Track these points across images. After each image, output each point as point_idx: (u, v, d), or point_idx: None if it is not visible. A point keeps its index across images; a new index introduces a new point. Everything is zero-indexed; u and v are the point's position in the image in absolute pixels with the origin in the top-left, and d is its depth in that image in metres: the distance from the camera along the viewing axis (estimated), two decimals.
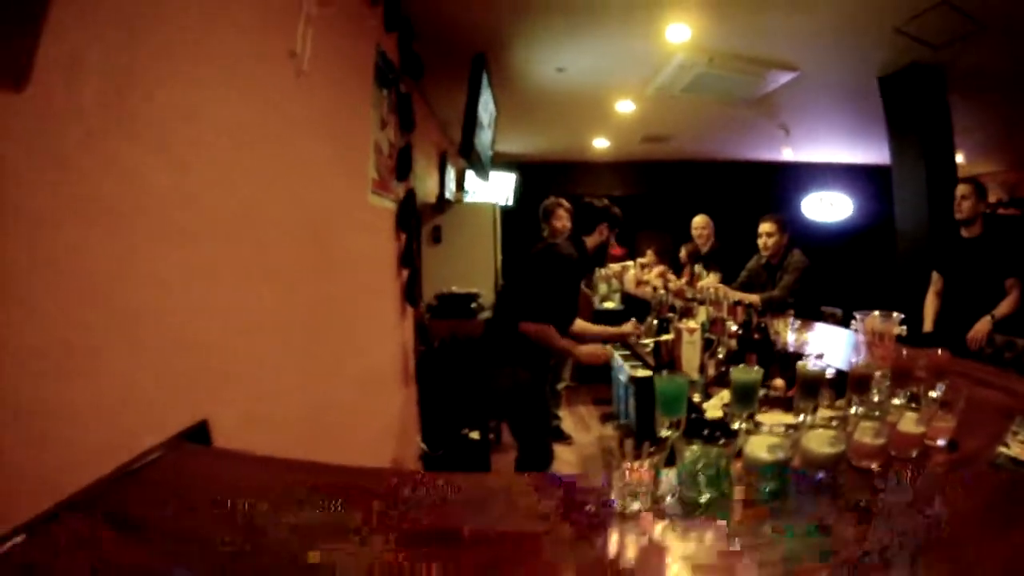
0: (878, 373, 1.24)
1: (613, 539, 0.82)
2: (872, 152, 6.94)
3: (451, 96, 4.49)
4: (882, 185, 5.70)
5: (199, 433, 1.22)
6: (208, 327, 1.32)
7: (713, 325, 2.35)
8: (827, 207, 8.51)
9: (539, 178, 7.68)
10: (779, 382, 1.77)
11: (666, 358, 2.61)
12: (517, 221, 6.01)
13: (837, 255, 7.31)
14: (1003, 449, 1.09)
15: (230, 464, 1.16)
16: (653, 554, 0.78)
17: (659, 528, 0.84)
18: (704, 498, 0.90)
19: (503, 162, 6.82)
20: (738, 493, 0.92)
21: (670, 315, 2.98)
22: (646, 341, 3.04)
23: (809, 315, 3.43)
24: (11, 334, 0.82)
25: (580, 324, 2.88)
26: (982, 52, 4.16)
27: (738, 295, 3.39)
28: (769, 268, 3.95)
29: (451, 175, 5.91)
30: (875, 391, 1.19)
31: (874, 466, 1.01)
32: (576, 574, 0.76)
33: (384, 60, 2.90)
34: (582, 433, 4.61)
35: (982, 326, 3.02)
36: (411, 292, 3.51)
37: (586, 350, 2.61)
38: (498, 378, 2.61)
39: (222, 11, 1.40)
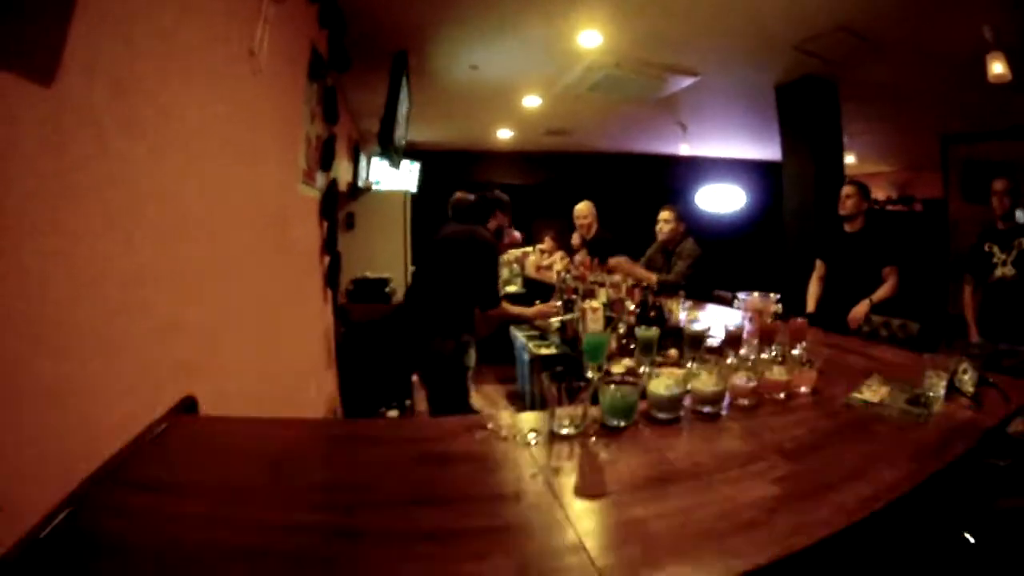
0: (746, 335, 1.61)
1: (554, 450, 1.11)
2: (765, 149, 7.32)
3: (366, 87, 4.54)
4: (774, 179, 6.00)
5: (189, 407, 1.36)
6: (188, 313, 1.45)
7: (613, 305, 2.69)
8: (721, 199, 8.96)
9: (443, 166, 7.76)
10: (673, 352, 2.12)
11: (571, 335, 2.97)
12: (421, 208, 6.13)
13: (731, 243, 7.81)
14: (856, 394, 1.48)
15: (224, 426, 1.32)
16: (589, 458, 1.08)
17: (592, 443, 1.14)
18: (621, 423, 1.21)
19: (408, 151, 6.90)
20: (642, 419, 1.24)
21: (574, 296, 3.31)
22: (554, 320, 3.37)
23: (703, 297, 3.84)
24: (36, 320, 0.89)
25: (506, 305, 3.17)
26: (873, 69, 4.55)
27: (643, 273, 3.79)
28: (665, 253, 4.33)
29: (363, 163, 5.98)
30: (746, 348, 1.55)
31: (746, 402, 1.36)
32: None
33: (316, 55, 3.00)
34: (491, 409, 4.89)
35: (861, 308, 3.43)
36: (333, 277, 3.65)
37: (534, 311, 3.25)
38: (428, 347, 2.85)
39: (201, 18, 1.53)
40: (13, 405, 0.81)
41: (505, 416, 1.27)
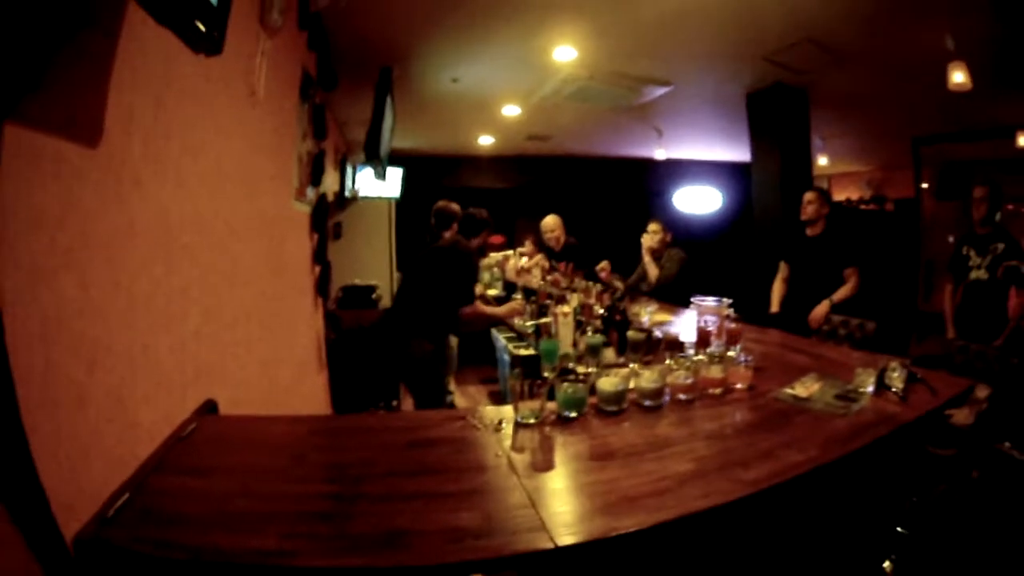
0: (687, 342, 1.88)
1: (517, 436, 1.36)
2: (740, 151, 7.28)
3: (351, 99, 4.75)
4: (749, 180, 6.09)
5: (211, 409, 1.56)
6: (207, 324, 1.65)
7: (583, 309, 2.94)
8: (698, 200, 9.19)
9: (425, 172, 7.85)
10: (608, 353, 2.37)
11: (544, 338, 3.25)
12: (404, 213, 6.29)
13: (709, 244, 7.96)
14: (787, 389, 1.72)
15: (243, 423, 1.54)
16: (544, 442, 1.33)
17: (547, 431, 1.39)
18: (573, 414, 1.47)
19: (391, 157, 7.05)
20: (592, 412, 1.50)
21: (548, 301, 3.57)
22: (528, 323, 3.62)
23: (685, 303, 4.10)
24: (99, 339, 1.06)
25: (480, 305, 3.44)
26: (841, 77, 4.72)
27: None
28: (655, 260, 4.65)
29: (349, 172, 6.17)
30: (687, 349, 1.81)
31: (683, 396, 1.61)
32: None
33: (307, 77, 3.20)
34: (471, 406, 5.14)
35: (821, 308, 3.69)
36: (323, 286, 3.87)
37: (504, 310, 3.52)
38: (407, 349, 3.11)
39: (210, 64, 1.73)
40: (80, 408, 0.98)
41: (479, 409, 1.51)
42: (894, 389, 1.71)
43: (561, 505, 1.01)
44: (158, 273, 1.34)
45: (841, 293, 3.72)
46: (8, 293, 0.80)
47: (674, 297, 4.10)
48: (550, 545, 0.88)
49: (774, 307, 4.17)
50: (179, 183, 1.52)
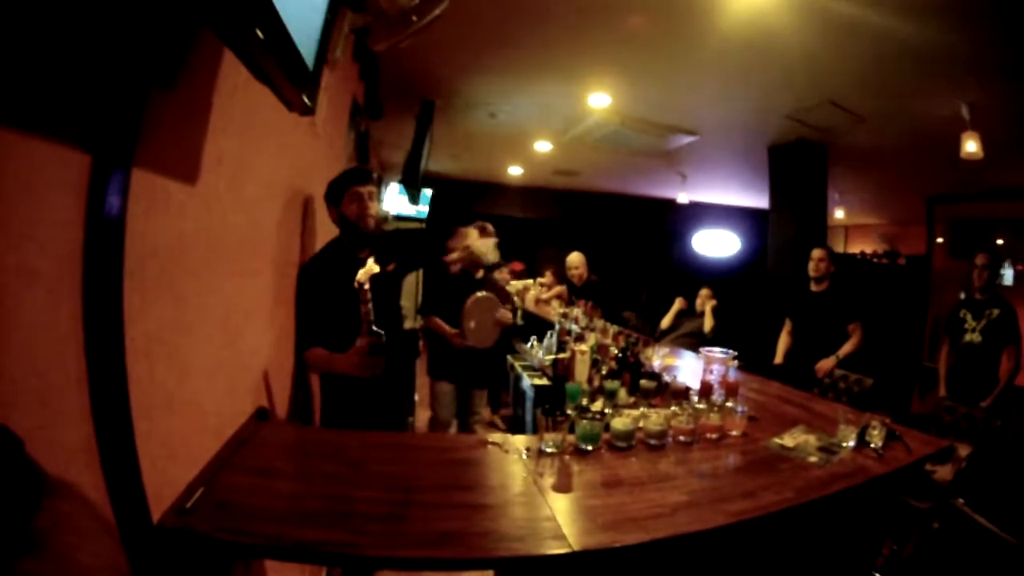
0: (691, 388, 2.09)
1: (540, 462, 1.57)
2: (759, 198, 7.48)
3: (393, 126, 5.05)
4: (766, 226, 6.16)
5: (263, 415, 1.75)
6: (260, 340, 1.82)
7: (599, 349, 3.14)
8: (716, 243, 9.38)
9: (454, 195, 8.11)
10: (622, 393, 2.57)
11: (561, 371, 3.43)
12: (432, 235, 6.47)
13: (725, 287, 8.24)
14: (776, 439, 1.92)
15: (299, 432, 1.78)
16: (563, 468, 1.54)
17: (566, 459, 1.60)
18: (589, 447, 1.68)
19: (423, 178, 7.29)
20: (605, 446, 1.71)
21: (567, 338, 3.77)
22: (547, 357, 3.81)
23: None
24: (185, 352, 1.21)
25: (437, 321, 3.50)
26: (860, 136, 4.93)
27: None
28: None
29: (383, 193, 6.44)
30: (692, 397, 2.02)
31: (684, 439, 1.81)
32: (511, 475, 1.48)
33: (355, 106, 3.46)
34: (486, 429, 5.30)
35: (827, 362, 3.85)
36: None
37: (449, 333, 3.36)
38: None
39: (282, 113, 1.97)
40: (169, 412, 1.13)
41: (507, 437, 1.73)
42: (873, 445, 1.87)
43: (578, 520, 1.22)
44: (230, 293, 1.52)
45: (846, 348, 3.88)
46: (127, 314, 0.96)
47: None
48: (568, 550, 1.09)
49: (778, 359, 4.31)
50: (251, 213, 1.69)
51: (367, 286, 1.79)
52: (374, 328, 1.86)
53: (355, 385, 2.04)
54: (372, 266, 1.81)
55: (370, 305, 1.82)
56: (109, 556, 0.62)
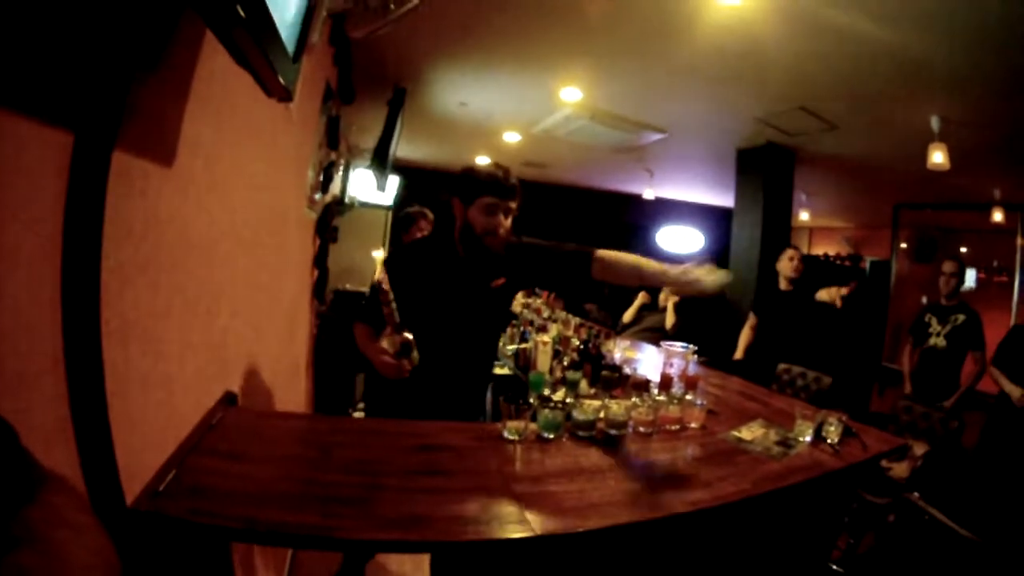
0: (652, 381, 2.16)
1: (504, 448, 1.62)
2: (724, 197, 7.79)
3: (363, 110, 5.02)
4: (729, 225, 6.30)
5: (231, 400, 1.74)
6: (232, 322, 1.81)
7: (561, 340, 3.20)
8: (680, 240, 9.51)
9: (422, 183, 7.99)
10: (583, 384, 2.64)
11: (523, 362, 3.50)
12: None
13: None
14: (734, 432, 1.99)
15: (268, 418, 1.78)
16: (526, 455, 1.59)
17: (529, 446, 1.66)
18: (551, 436, 1.73)
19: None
20: (567, 435, 1.77)
21: (529, 328, 3.84)
22: (509, 347, 3.87)
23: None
24: (160, 334, 1.21)
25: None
26: (830, 142, 5.09)
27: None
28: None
29: (350, 178, 6.36)
30: (652, 389, 2.09)
31: (643, 429, 1.88)
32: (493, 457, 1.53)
33: (328, 90, 3.43)
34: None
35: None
36: (320, 290, 4.09)
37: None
38: None
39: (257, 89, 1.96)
40: (143, 393, 1.14)
41: (473, 425, 1.77)
42: (829, 441, 1.97)
43: (540, 506, 1.27)
44: (203, 276, 1.52)
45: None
46: (103, 295, 0.95)
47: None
48: (532, 534, 1.14)
49: (738, 354, 4.46)
50: (225, 196, 1.68)
51: (386, 286, 1.82)
52: (405, 334, 1.88)
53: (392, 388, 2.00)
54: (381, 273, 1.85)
55: (393, 306, 1.84)
56: (101, 550, 0.61)
